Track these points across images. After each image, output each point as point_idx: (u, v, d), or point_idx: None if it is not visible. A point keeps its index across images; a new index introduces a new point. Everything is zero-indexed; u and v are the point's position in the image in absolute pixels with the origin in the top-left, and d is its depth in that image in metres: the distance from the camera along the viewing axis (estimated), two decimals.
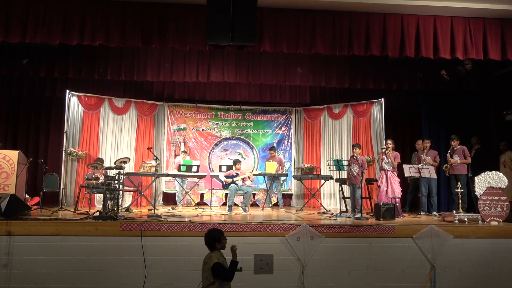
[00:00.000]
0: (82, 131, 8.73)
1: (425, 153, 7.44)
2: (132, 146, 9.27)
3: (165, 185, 9.51)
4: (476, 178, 6.32)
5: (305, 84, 8.38)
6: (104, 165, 7.95)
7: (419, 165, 7.13)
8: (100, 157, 8.61)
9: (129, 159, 7.94)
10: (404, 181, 7.87)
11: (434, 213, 7.26)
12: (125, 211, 7.04)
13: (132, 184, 7.91)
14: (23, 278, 4.98)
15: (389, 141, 6.97)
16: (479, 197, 6.20)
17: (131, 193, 8.61)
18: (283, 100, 9.45)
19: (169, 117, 9.74)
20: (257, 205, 9.10)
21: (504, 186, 6.10)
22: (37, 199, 7.06)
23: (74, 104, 8.66)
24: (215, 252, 3.73)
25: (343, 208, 7.89)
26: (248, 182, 8.08)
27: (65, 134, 8.39)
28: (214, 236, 3.78)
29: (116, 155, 8.91)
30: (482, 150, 7.74)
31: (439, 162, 7.49)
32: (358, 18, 6.23)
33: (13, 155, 6.06)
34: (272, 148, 9.02)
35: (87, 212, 6.54)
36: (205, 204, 9.03)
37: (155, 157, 7.28)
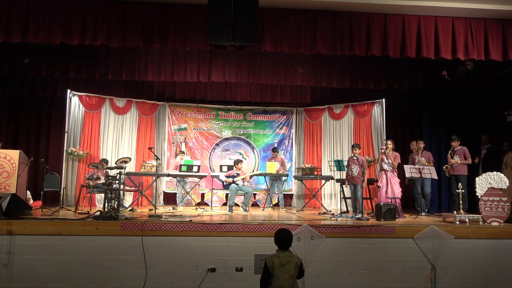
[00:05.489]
0: (83, 131, 8.74)
1: (420, 154, 7.43)
2: (133, 146, 9.28)
3: (165, 185, 9.51)
4: (477, 179, 6.32)
5: (306, 84, 8.39)
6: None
7: (415, 165, 7.13)
8: (102, 157, 8.63)
9: (130, 159, 7.94)
10: (404, 182, 7.85)
11: (422, 213, 7.23)
12: (129, 210, 7.07)
13: (133, 184, 7.92)
14: (24, 277, 4.98)
15: (388, 142, 6.97)
16: (480, 197, 6.19)
17: (132, 193, 8.62)
18: (284, 100, 9.45)
19: (170, 117, 9.75)
20: (257, 205, 9.10)
21: (505, 187, 6.09)
22: (39, 203, 7.07)
23: (75, 104, 8.67)
24: (290, 253, 3.58)
25: (344, 209, 7.90)
26: (246, 183, 8.08)
27: (66, 134, 8.39)
28: (292, 236, 3.67)
29: (117, 155, 8.92)
30: (492, 149, 7.65)
31: (433, 162, 7.48)
32: (359, 18, 6.23)
33: (14, 154, 6.06)
34: (274, 149, 9.03)
35: (88, 211, 6.56)
36: (206, 204, 9.05)
37: (155, 157, 7.28)
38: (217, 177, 8.45)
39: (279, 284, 3.38)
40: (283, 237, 3.61)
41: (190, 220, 5.54)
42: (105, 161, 8.14)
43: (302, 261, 3.57)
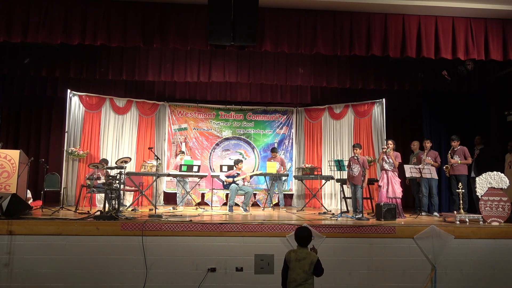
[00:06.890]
0: (83, 131, 8.74)
1: (426, 154, 7.43)
2: (133, 146, 9.28)
3: (166, 185, 9.52)
4: (477, 178, 6.31)
5: (306, 84, 8.38)
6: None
7: (420, 165, 7.12)
8: (102, 157, 8.63)
9: (130, 158, 7.95)
10: (404, 182, 7.85)
11: (435, 213, 7.25)
12: (131, 210, 7.08)
13: (133, 183, 7.91)
14: (24, 277, 4.98)
15: (390, 141, 6.97)
16: (480, 197, 6.19)
17: (132, 192, 8.62)
18: (284, 100, 9.44)
19: (170, 117, 9.75)
20: (258, 205, 9.10)
21: (506, 187, 6.09)
22: (39, 203, 7.07)
23: (75, 103, 8.67)
24: (307, 249, 3.73)
25: (344, 209, 7.90)
26: (246, 183, 8.08)
27: (66, 134, 8.40)
28: (309, 233, 3.83)
29: (117, 155, 8.92)
30: (486, 150, 7.69)
31: (439, 162, 7.48)
32: (359, 18, 6.23)
33: (14, 154, 6.06)
34: (273, 150, 9.02)
35: (88, 211, 6.56)
36: (206, 204, 9.05)
37: (156, 157, 7.28)
38: (217, 177, 8.45)
39: (293, 277, 3.60)
40: (299, 233, 3.81)
41: (190, 220, 5.54)
42: (105, 161, 8.15)
43: (319, 260, 3.65)
